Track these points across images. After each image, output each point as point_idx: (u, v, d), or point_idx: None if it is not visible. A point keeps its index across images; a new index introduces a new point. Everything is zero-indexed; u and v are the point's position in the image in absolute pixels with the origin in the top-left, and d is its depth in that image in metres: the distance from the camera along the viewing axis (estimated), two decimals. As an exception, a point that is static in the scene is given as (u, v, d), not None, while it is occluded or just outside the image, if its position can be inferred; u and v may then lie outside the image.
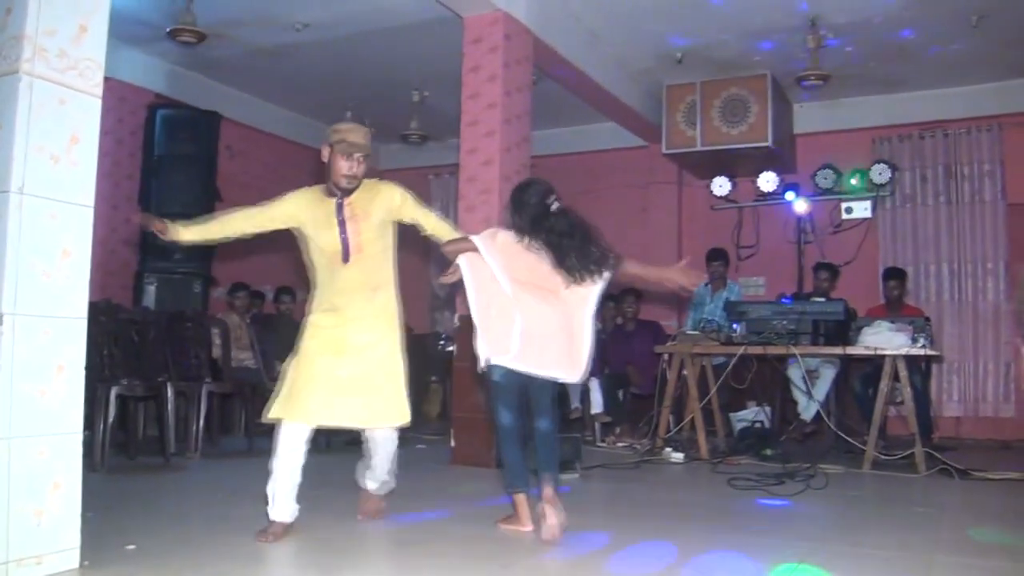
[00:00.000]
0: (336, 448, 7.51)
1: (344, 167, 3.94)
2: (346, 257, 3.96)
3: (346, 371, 3.89)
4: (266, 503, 3.79)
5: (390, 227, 4.13)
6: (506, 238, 4.03)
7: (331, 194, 4.03)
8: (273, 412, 3.82)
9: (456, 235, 4.18)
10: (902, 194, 9.46)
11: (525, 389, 4.06)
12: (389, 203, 4.07)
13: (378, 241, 4.06)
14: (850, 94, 9.40)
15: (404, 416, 4.06)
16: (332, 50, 8.41)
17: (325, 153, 4.03)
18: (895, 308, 7.84)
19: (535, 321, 3.91)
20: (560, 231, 3.98)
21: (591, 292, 4.05)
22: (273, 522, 3.77)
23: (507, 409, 4.00)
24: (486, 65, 6.68)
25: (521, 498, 3.98)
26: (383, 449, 4.17)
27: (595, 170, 10.61)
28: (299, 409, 3.79)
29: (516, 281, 3.94)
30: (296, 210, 4.08)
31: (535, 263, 4.00)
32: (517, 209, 4.07)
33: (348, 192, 4.00)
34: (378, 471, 4.23)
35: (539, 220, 4.00)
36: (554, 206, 4.03)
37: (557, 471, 4.03)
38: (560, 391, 4.51)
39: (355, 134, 3.99)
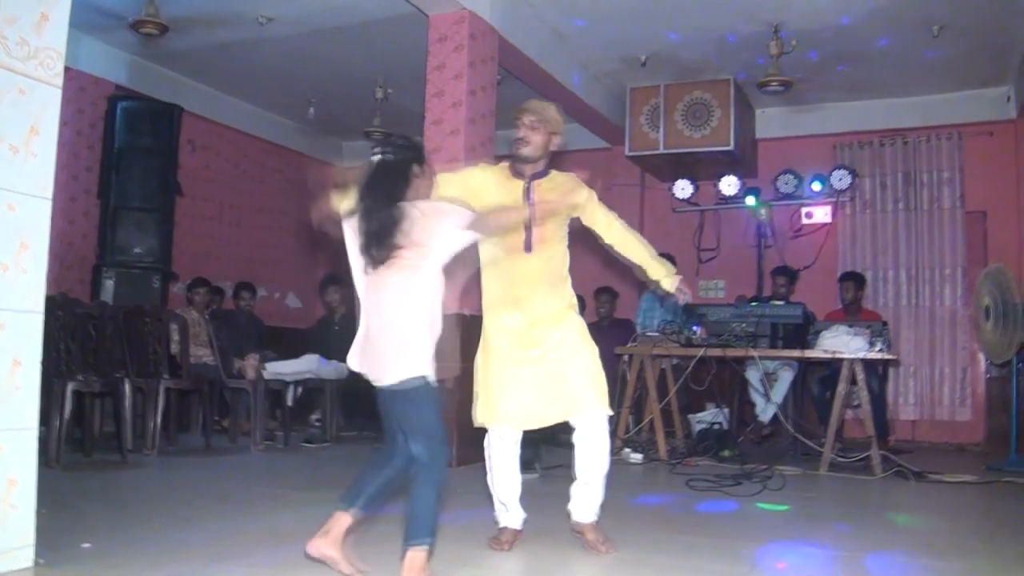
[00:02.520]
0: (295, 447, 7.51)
1: (513, 134, 3.71)
2: (528, 246, 3.69)
3: (540, 368, 3.64)
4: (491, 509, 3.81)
5: (566, 223, 3.83)
6: None
7: (517, 175, 3.78)
8: (479, 419, 3.75)
9: (649, 248, 3.99)
10: (862, 200, 9.56)
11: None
12: (575, 199, 3.79)
13: (559, 232, 3.79)
14: (812, 100, 9.50)
15: (605, 401, 3.70)
16: (296, 45, 8.35)
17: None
18: (853, 312, 7.94)
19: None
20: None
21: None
22: (504, 528, 3.76)
23: None
24: (451, 63, 6.67)
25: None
26: (594, 447, 3.68)
27: (558, 171, 10.64)
28: (502, 414, 3.69)
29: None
30: (483, 185, 3.74)
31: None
32: None
33: (530, 168, 3.76)
34: (589, 481, 3.73)
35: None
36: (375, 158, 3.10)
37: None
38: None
39: (530, 103, 3.77)
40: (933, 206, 9.30)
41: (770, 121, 9.84)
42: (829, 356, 6.55)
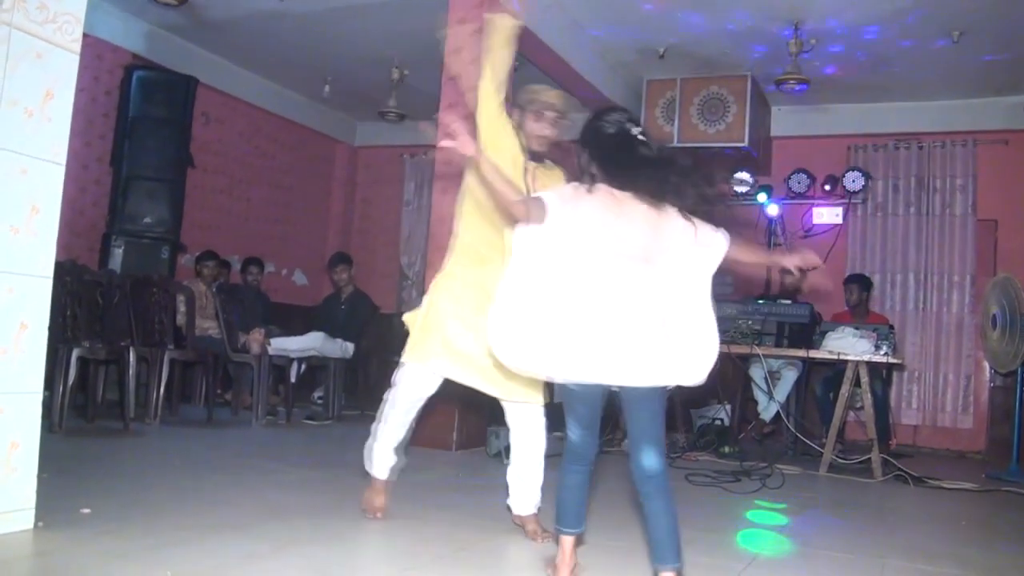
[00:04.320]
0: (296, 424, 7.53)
1: (536, 128, 3.69)
2: None
3: (482, 339, 3.16)
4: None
5: None
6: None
7: (523, 151, 3.72)
8: (410, 356, 3.71)
9: None
10: (874, 202, 9.53)
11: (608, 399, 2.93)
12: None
13: None
14: (828, 100, 9.45)
15: (538, 392, 3.64)
16: (314, 21, 8.31)
17: (515, 117, 3.76)
18: (860, 314, 7.93)
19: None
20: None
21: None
22: (375, 480, 3.80)
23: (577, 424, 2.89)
24: (469, 47, 6.64)
25: (568, 540, 2.93)
26: (526, 435, 3.74)
27: (571, 161, 10.63)
28: (438, 354, 3.64)
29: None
30: (506, 144, 3.70)
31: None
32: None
33: (537, 157, 3.73)
34: (522, 468, 3.76)
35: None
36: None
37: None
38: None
39: (547, 94, 3.73)
40: (945, 212, 9.26)
41: (785, 119, 9.80)
42: (834, 357, 6.55)
